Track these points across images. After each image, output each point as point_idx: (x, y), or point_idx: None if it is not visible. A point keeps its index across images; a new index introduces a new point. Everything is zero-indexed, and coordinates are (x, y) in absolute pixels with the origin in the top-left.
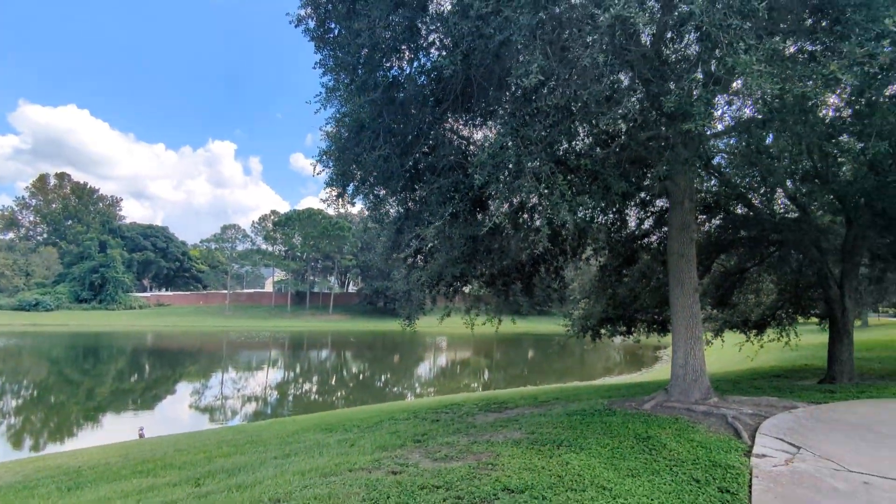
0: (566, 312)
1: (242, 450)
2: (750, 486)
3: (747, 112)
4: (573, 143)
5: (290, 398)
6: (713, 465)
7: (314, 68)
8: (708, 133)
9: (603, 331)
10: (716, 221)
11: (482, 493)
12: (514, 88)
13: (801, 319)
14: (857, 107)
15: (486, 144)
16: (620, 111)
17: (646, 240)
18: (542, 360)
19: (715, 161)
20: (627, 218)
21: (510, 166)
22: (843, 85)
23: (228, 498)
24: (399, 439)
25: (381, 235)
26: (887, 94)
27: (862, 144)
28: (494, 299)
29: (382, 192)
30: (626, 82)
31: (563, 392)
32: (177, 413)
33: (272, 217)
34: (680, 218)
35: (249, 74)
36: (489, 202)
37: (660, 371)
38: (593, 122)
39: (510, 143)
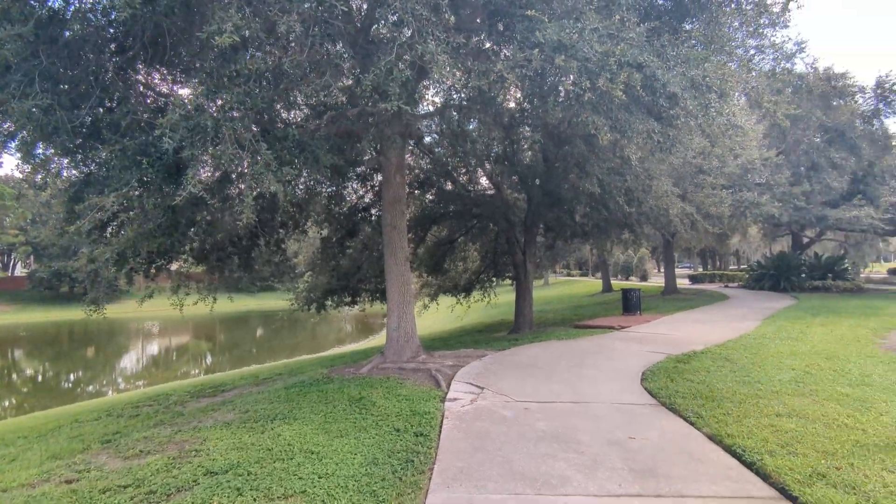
0: (291, 286)
1: None
2: (441, 427)
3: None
4: (281, 110)
5: None
6: (414, 414)
7: None
8: (415, 113)
9: (329, 302)
10: (429, 196)
11: (180, 482)
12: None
13: (498, 281)
14: (533, 102)
15: (179, 104)
16: (322, 84)
17: (366, 213)
18: (272, 338)
19: (428, 140)
20: (344, 191)
21: (208, 131)
22: (514, 82)
23: None
24: (82, 443)
25: (54, 204)
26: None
27: (532, 133)
28: (208, 276)
29: (50, 152)
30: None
31: (289, 367)
32: None
33: None
34: (392, 192)
35: None
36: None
37: (384, 337)
38: (300, 92)
39: (208, 106)
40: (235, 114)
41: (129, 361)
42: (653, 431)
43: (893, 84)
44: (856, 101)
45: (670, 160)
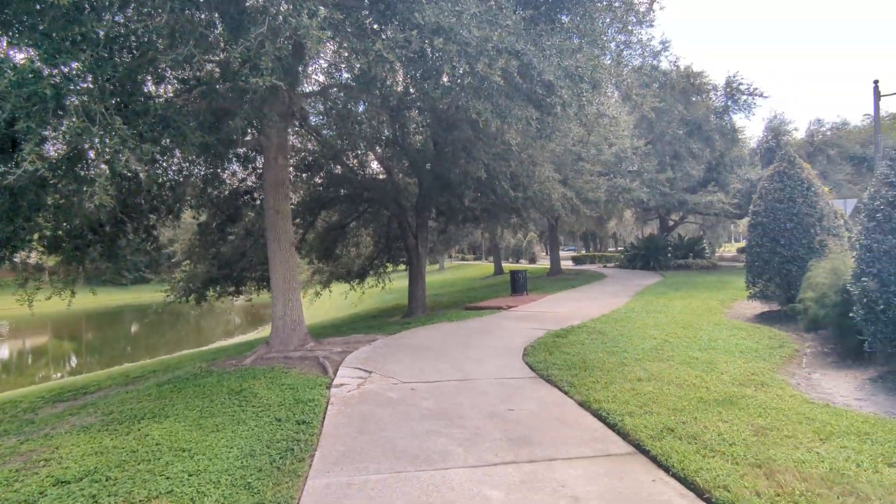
0: (168, 277)
1: None
2: (325, 413)
3: (337, 78)
4: (145, 82)
5: None
6: (297, 402)
7: None
8: (295, 92)
9: (210, 293)
10: (318, 180)
11: (22, 496)
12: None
13: (392, 267)
14: (416, 85)
15: (9, 68)
16: (185, 54)
17: (249, 196)
18: (150, 333)
19: (315, 122)
20: (223, 173)
21: (48, 100)
22: (394, 63)
23: None
24: None
25: None
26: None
27: (422, 118)
28: (64, 268)
29: None
30: (214, 28)
31: (166, 364)
32: None
33: None
34: (274, 174)
35: None
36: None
37: None
38: (163, 62)
39: (48, 72)
40: (87, 84)
41: None
42: (530, 402)
43: (739, 84)
44: (710, 98)
45: (551, 147)
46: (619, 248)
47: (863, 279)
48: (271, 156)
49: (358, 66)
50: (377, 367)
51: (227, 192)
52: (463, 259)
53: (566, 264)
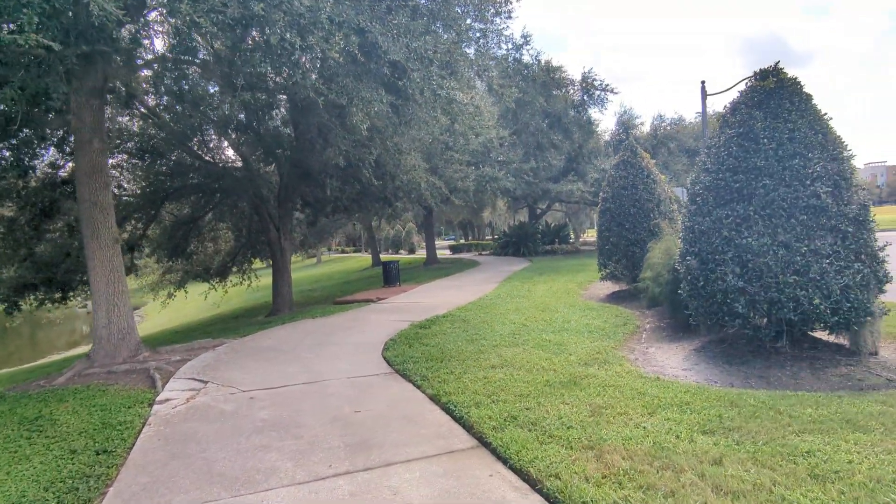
0: None
1: None
2: (138, 437)
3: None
4: None
5: None
6: (104, 426)
7: None
8: (117, 63)
9: (26, 302)
10: (161, 168)
11: None
12: None
13: (261, 263)
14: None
15: None
16: None
17: (69, 187)
18: None
19: (153, 101)
20: (24, 158)
21: None
22: (208, 29)
23: None
24: None
25: None
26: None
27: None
28: None
29: None
30: None
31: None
32: None
33: None
34: (89, 160)
35: None
36: None
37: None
38: None
39: None
40: None
41: None
42: (379, 401)
43: (594, 80)
44: (569, 92)
45: (418, 136)
46: (496, 237)
47: (687, 258)
48: (84, 138)
49: (164, 30)
50: (216, 375)
51: (37, 183)
52: (342, 252)
53: (444, 253)
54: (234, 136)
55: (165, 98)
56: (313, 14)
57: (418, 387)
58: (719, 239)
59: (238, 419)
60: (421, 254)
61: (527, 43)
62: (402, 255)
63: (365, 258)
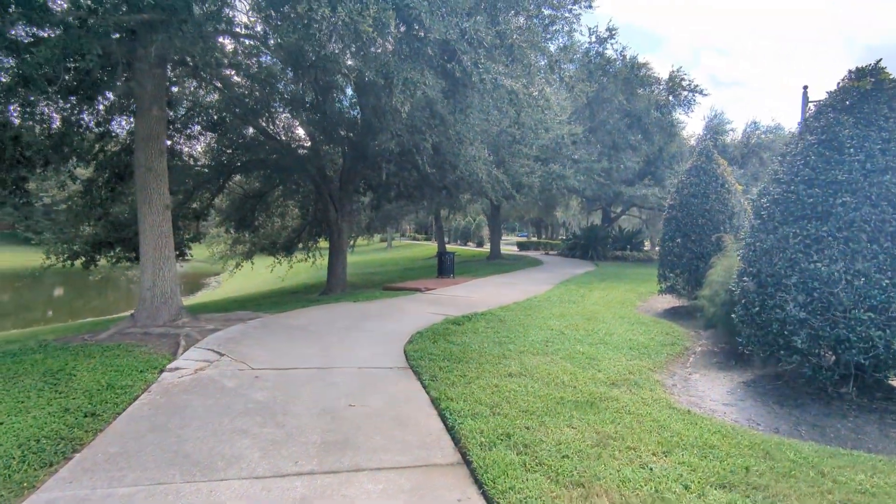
0: (50, 238)
1: None
2: (131, 404)
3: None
4: None
5: None
6: (108, 388)
7: None
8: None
9: (102, 258)
10: (226, 142)
11: None
12: None
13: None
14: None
15: None
16: None
17: None
18: (77, 297)
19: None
20: (90, 120)
21: None
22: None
23: None
24: None
25: None
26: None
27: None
28: None
29: None
30: None
31: (33, 334)
32: None
33: None
34: (147, 126)
35: None
36: None
37: (208, 294)
38: None
39: None
40: None
41: None
42: (379, 397)
43: (681, 79)
44: (653, 92)
45: (481, 125)
46: (565, 237)
47: (744, 279)
48: (145, 106)
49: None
50: (234, 349)
51: (113, 146)
52: (413, 238)
53: (511, 249)
54: (299, 113)
55: (233, 72)
56: None
57: (425, 386)
58: (783, 260)
59: (233, 398)
60: (489, 247)
61: (612, 37)
62: (470, 248)
63: (433, 247)
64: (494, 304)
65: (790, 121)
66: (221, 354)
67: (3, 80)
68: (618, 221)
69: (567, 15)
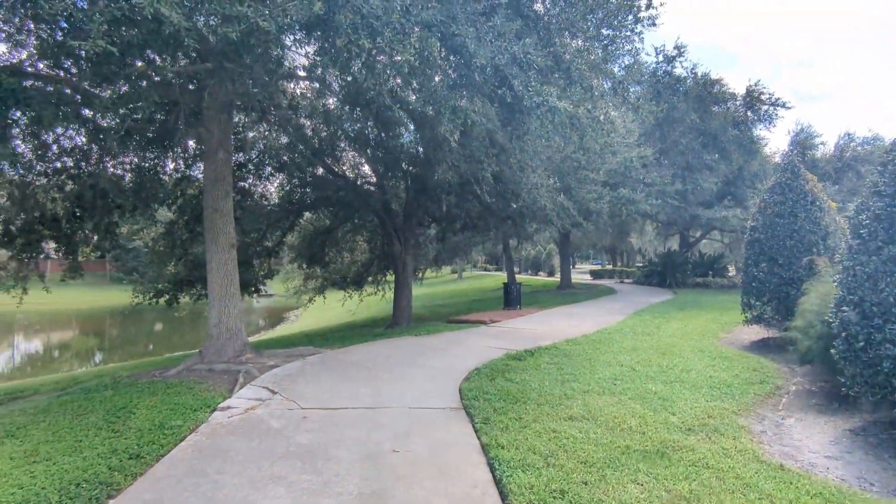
0: (135, 277)
1: None
2: (177, 445)
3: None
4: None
5: None
6: (160, 427)
7: None
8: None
9: (185, 295)
10: (294, 180)
11: None
12: None
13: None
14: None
15: None
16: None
17: None
18: (174, 332)
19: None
20: (162, 167)
21: None
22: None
23: None
24: None
25: None
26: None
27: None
28: (17, 263)
29: None
30: None
31: (122, 368)
32: None
33: None
34: (214, 169)
35: None
36: None
37: (289, 327)
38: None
39: None
40: None
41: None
42: (425, 441)
43: (760, 93)
44: (729, 108)
45: (543, 152)
46: (641, 265)
47: (843, 309)
48: (211, 149)
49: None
50: (288, 387)
51: (191, 190)
52: (485, 269)
53: (582, 278)
54: (363, 150)
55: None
56: (386, 14)
57: (476, 430)
58: (891, 286)
59: (276, 440)
60: (559, 276)
61: (680, 55)
62: (540, 277)
63: (503, 277)
64: (560, 336)
65: (890, 130)
66: (274, 392)
67: (82, 136)
68: (697, 246)
69: (629, 34)
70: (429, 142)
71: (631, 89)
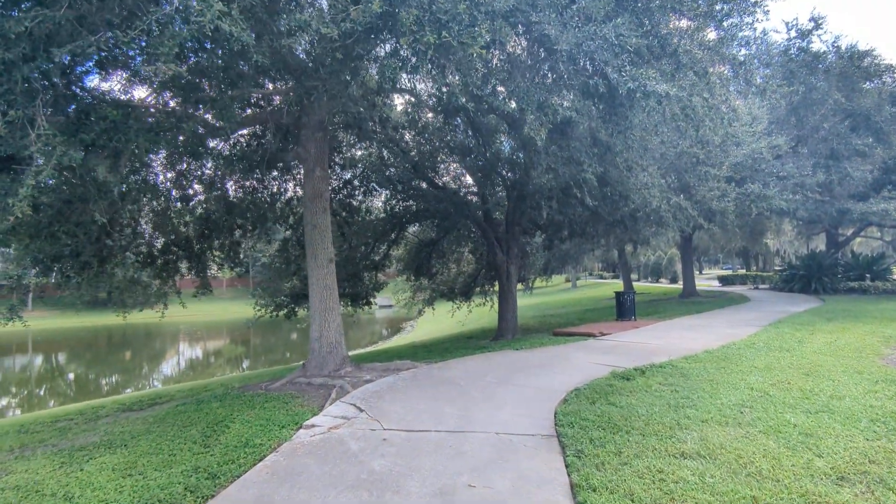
0: (256, 291)
1: None
2: (255, 465)
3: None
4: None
5: None
6: (244, 445)
7: None
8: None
9: (302, 308)
10: (396, 194)
11: None
12: None
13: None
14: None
15: None
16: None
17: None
18: (306, 340)
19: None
20: (263, 187)
21: None
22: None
23: None
24: None
25: None
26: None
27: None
28: (157, 282)
29: None
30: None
31: (239, 379)
32: None
33: None
34: (312, 187)
35: None
36: None
37: (405, 337)
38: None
39: None
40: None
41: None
42: (507, 476)
43: None
44: (884, 83)
45: (655, 148)
46: (779, 268)
47: None
48: (309, 167)
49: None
50: (375, 405)
51: (300, 208)
52: (601, 277)
53: (709, 284)
54: (462, 160)
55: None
56: (452, 6)
57: (567, 465)
58: None
59: (350, 465)
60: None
61: (818, 27)
62: (661, 285)
63: (619, 285)
64: (678, 352)
65: None
66: (361, 410)
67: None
68: (849, 245)
69: (749, 7)
70: (522, 144)
71: (756, 71)
